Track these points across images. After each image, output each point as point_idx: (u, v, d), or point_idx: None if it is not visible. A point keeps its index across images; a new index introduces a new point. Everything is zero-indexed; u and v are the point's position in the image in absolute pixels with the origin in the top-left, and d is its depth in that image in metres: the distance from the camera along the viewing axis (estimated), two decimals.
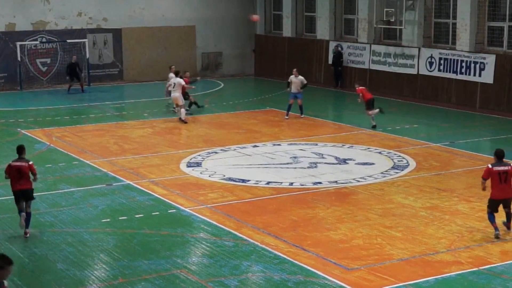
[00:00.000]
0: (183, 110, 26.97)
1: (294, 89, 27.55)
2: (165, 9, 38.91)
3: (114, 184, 18.87)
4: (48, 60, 36.51)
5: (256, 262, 13.41)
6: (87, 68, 36.70)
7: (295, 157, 21.56)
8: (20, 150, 15.34)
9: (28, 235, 14.94)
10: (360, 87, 25.99)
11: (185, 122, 26.69)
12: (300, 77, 27.59)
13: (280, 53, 39.10)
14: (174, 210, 16.66)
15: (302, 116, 27.74)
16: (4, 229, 15.41)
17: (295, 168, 20.40)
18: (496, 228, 14.42)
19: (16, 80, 35.37)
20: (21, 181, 15.03)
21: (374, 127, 25.49)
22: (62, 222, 15.83)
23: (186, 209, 16.66)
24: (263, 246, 14.21)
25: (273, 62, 39.51)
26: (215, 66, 40.58)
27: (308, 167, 20.42)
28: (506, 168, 14.32)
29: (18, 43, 35.20)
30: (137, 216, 16.23)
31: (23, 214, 14.91)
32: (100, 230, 15.37)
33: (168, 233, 15.17)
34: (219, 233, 15.04)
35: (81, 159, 21.56)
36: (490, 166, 14.45)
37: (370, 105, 25.71)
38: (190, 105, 28.94)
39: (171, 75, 28.42)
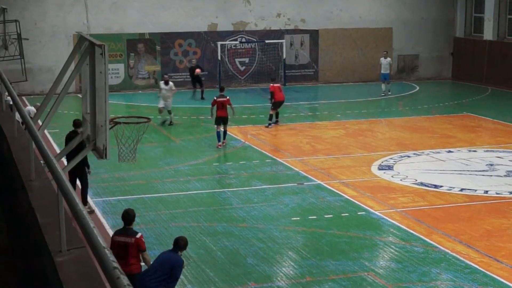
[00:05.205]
0: None
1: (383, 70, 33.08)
2: (362, 11, 38.74)
3: (305, 183, 19.07)
4: (247, 60, 37.47)
5: (446, 270, 13.09)
6: (283, 69, 37.33)
7: (491, 165, 20.80)
8: (222, 88, 24.38)
9: (223, 144, 23.09)
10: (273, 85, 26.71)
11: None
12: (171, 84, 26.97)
13: (480, 57, 37.80)
14: (364, 213, 16.59)
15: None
16: (199, 222, 16.00)
17: (491, 176, 19.68)
18: None
19: (216, 78, 36.59)
20: (222, 111, 23.06)
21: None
22: (253, 218, 16.21)
23: (376, 212, 16.54)
24: (454, 254, 13.85)
25: (472, 66, 38.31)
26: (411, 69, 39.95)
27: (505, 176, 19.63)
28: None
29: (219, 43, 36.40)
30: (326, 216, 16.32)
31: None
32: (289, 228, 15.60)
33: (357, 235, 15.14)
34: (409, 238, 14.81)
35: (274, 157, 21.97)
36: None
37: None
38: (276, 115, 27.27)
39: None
